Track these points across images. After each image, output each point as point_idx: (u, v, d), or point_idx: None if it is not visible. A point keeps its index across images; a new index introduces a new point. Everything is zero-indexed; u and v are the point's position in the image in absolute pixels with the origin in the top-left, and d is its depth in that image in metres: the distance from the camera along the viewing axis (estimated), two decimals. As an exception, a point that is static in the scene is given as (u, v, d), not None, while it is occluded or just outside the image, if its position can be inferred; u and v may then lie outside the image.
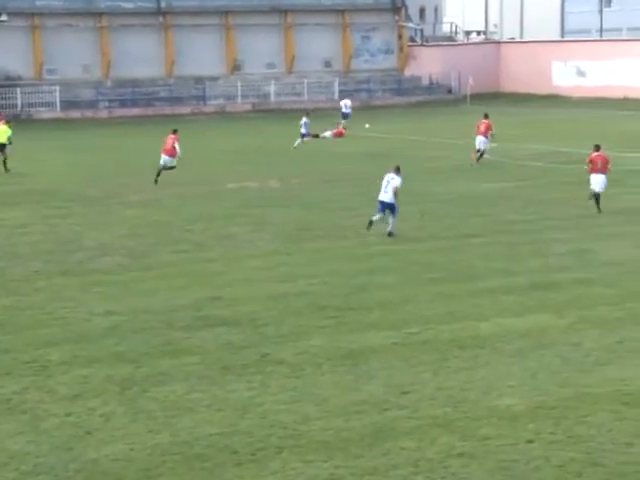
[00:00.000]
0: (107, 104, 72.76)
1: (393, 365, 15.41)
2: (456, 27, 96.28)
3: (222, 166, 40.42)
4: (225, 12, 77.03)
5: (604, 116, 64.22)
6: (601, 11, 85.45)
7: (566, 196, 31.58)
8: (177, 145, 35.60)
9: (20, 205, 31.93)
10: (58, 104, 70.03)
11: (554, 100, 77.07)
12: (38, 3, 71.96)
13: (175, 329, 17.53)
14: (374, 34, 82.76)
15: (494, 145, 41.16)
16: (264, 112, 72.98)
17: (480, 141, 40.44)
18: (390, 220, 25.66)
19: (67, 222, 28.66)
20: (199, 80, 75.66)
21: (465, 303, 18.93)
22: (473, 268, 21.98)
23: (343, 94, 76.81)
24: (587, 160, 29.46)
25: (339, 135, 54.00)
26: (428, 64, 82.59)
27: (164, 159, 35.78)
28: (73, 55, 71.87)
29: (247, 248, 24.67)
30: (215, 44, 76.82)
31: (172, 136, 36.01)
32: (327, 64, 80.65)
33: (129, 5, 74.54)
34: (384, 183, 25.80)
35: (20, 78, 70.95)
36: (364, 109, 68.01)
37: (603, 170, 28.75)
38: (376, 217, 25.90)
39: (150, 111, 71.62)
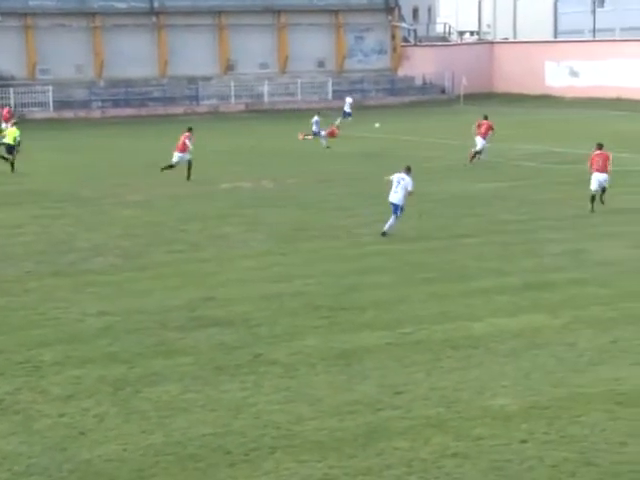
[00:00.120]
0: (100, 104, 72.74)
1: (386, 365, 15.40)
2: (449, 27, 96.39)
3: (215, 166, 40.38)
4: (218, 12, 77.04)
5: (597, 116, 64.30)
6: (594, 11, 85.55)
7: (560, 196, 31.63)
8: (188, 142, 36.94)
9: (13, 205, 31.86)
10: (51, 104, 70.00)
11: (547, 100, 77.17)
12: (31, 3, 71.91)
13: (168, 329, 17.50)
14: (367, 34, 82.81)
15: (488, 145, 41.24)
16: (257, 112, 72.99)
17: (479, 142, 40.67)
18: (391, 220, 25.47)
19: (60, 222, 28.62)
20: (192, 80, 75.64)
21: (458, 303, 18.93)
22: (467, 268, 21.99)
23: (337, 94, 77.03)
24: (589, 159, 29.76)
25: (332, 135, 53.96)
26: (421, 64, 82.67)
27: (177, 156, 36.92)
28: (66, 55, 71.83)
29: (241, 248, 24.66)
30: (208, 44, 76.81)
31: (186, 134, 37.30)
32: (320, 64, 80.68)
33: (122, 5, 74.51)
34: (394, 183, 25.56)
35: (13, 78, 70.89)
36: (357, 109, 67.86)
37: (603, 169, 28.88)
38: (388, 224, 25.46)
39: (143, 111, 71.61)
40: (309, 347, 16.36)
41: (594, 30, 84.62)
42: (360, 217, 28.46)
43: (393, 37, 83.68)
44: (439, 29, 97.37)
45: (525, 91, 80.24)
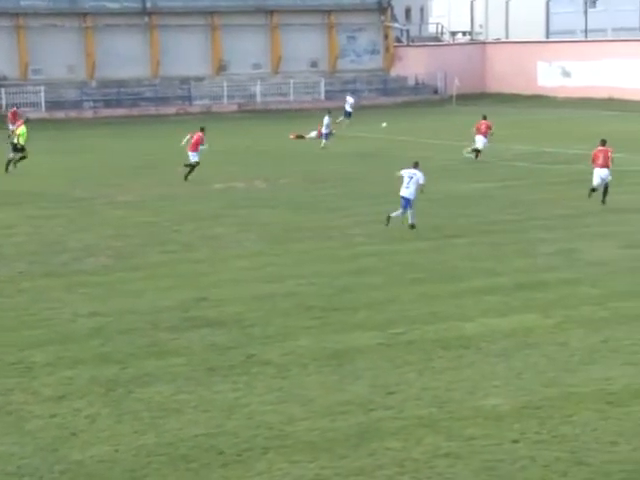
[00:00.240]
0: (92, 104, 72.65)
1: (378, 365, 15.42)
2: (442, 28, 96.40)
3: (208, 166, 40.33)
4: (211, 12, 76.98)
5: (589, 116, 64.39)
6: (586, 12, 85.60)
7: (552, 196, 31.68)
8: (202, 141, 37.52)
9: (5, 206, 31.83)
10: (43, 104, 69.88)
11: (539, 100, 77.23)
12: (23, 3, 71.81)
13: (161, 330, 17.50)
14: (360, 34, 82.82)
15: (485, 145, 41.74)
16: (250, 112, 72.95)
17: (480, 140, 41.71)
18: (410, 212, 26.27)
19: (52, 223, 28.59)
20: (185, 80, 75.58)
21: (450, 303, 18.96)
22: (458, 268, 22.01)
23: (329, 94, 77.02)
24: (593, 154, 30.50)
25: (318, 136, 53.86)
26: (414, 64, 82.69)
27: (191, 155, 37.32)
28: (58, 55, 71.74)
29: (234, 249, 24.66)
30: (201, 44, 76.76)
31: (199, 133, 37.77)
32: (313, 64, 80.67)
33: (114, 5, 74.41)
34: (405, 179, 26.40)
35: (5, 78, 70.80)
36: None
37: (605, 164, 29.29)
38: (396, 213, 26.34)
39: (135, 111, 71.51)
40: (301, 347, 16.38)
41: (586, 30, 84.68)
42: (354, 217, 28.48)
43: (386, 37, 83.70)
44: (431, 29, 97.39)
45: (517, 91, 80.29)
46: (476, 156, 41.77)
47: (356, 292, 19.94)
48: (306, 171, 39.41)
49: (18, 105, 61.33)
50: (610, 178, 29.68)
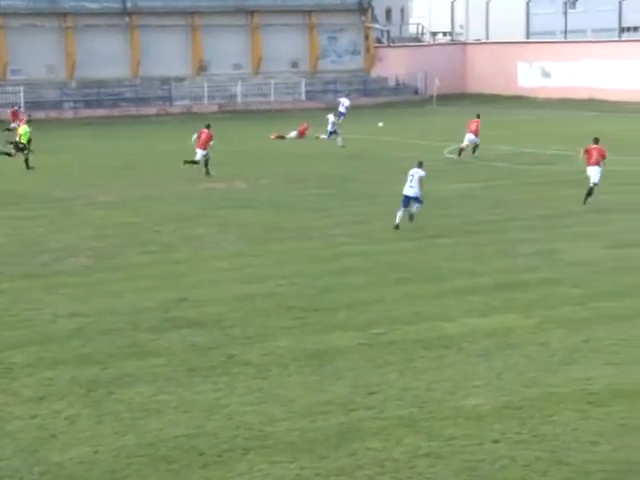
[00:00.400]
0: (72, 105, 72.45)
1: (359, 366, 15.41)
2: (422, 28, 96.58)
3: (189, 167, 40.23)
4: (191, 13, 76.88)
5: (569, 117, 64.62)
6: (566, 13, 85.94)
7: (533, 197, 31.75)
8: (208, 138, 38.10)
9: (-16, 206, 31.67)
10: (22, 104, 69.54)
11: (519, 101, 77.45)
12: (2, 3, 71.50)
13: (141, 330, 17.44)
14: (341, 35, 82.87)
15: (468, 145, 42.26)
16: (231, 113, 72.85)
17: (469, 138, 42.60)
18: (416, 206, 26.61)
19: (32, 224, 28.45)
20: (165, 81, 75.45)
21: (432, 303, 18.97)
22: (440, 269, 22.04)
23: (310, 94, 77.02)
24: (583, 150, 30.57)
25: (301, 135, 53.92)
26: (394, 65, 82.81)
27: (199, 153, 37.80)
28: (38, 55, 71.47)
29: (214, 249, 24.61)
30: (181, 45, 76.64)
31: (205, 131, 38.20)
32: (294, 65, 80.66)
33: (94, 5, 74.19)
34: (409, 178, 26.74)
35: (-16, 78, 70.50)
36: (331, 109, 67.82)
37: (597, 162, 29.49)
38: (398, 215, 26.45)
39: (116, 112, 71.34)
40: (282, 348, 16.35)
41: (566, 31, 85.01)
42: (335, 218, 28.47)
43: (366, 38, 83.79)
44: (412, 30, 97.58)
45: (497, 92, 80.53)
46: (459, 153, 42.45)
47: (337, 292, 19.93)
48: (287, 171, 39.38)
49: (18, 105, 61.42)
50: (598, 177, 29.76)
